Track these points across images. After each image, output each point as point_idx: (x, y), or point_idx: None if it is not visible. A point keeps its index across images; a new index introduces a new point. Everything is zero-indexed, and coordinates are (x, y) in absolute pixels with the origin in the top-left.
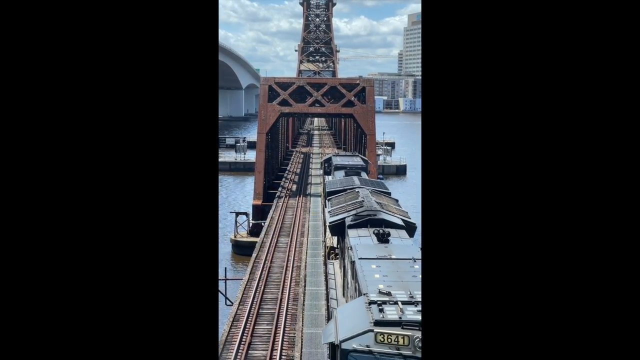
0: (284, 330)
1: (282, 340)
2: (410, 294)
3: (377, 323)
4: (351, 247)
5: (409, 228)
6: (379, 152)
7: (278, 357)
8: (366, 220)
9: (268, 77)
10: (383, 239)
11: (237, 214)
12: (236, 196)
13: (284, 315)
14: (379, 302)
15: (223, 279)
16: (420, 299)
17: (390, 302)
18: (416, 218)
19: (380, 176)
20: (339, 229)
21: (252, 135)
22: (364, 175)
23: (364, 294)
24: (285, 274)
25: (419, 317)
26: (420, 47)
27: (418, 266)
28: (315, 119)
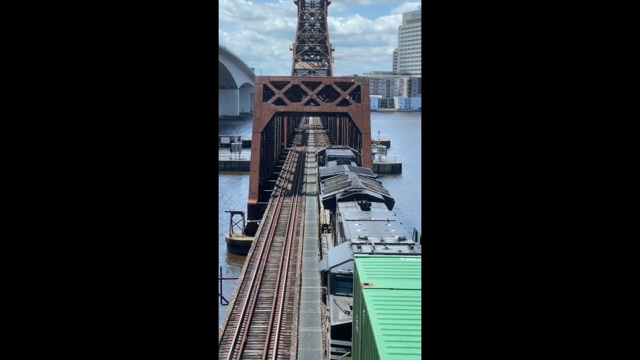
0: (279, 329)
1: (278, 340)
2: (382, 239)
3: (356, 255)
4: (340, 214)
5: (388, 201)
6: (374, 150)
7: (274, 356)
8: (353, 195)
9: (263, 76)
10: (365, 208)
11: (233, 213)
12: (231, 195)
13: (280, 314)
14: (358, 243)
15: (219, 278)
16: (388, 241)
17: (366, 243)
18: (414, 219)
19: (375, 175)
20: (330, 204)
21: (247, 134)
22: (353, 164)
23: (348, 239)
24: (281, 273)
25: (385, 251)
26: (414, 46)
27: (390, 224)
28: (311, 118)
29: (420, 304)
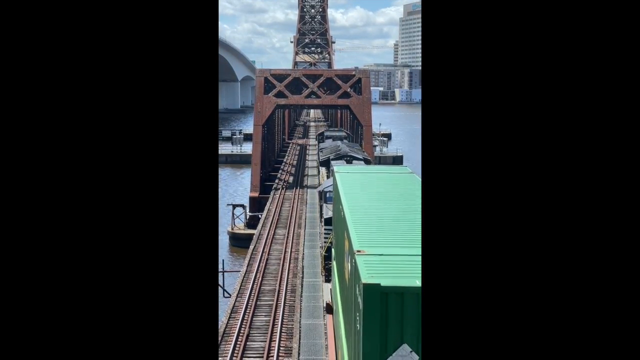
0: (282, 321)
1: (280, 332)
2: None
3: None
4: (332, 167)
5: (366, 160)
6: (375, 143)
7: (276, 348)
8: (342, 156)
9: (264, 69)
10: (349, 162)
11: (234, 206)
12: (233, 188)
13: (282, 306)
14: None
15: (221, 271)
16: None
17: None
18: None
19: (363, 153)
20: (326, 163)
21: (248, 127)
22: (345, 140)
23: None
24: (283, 265)
25: None
26: (415, 38)
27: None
28: (312, 110)
29: (368, 177)
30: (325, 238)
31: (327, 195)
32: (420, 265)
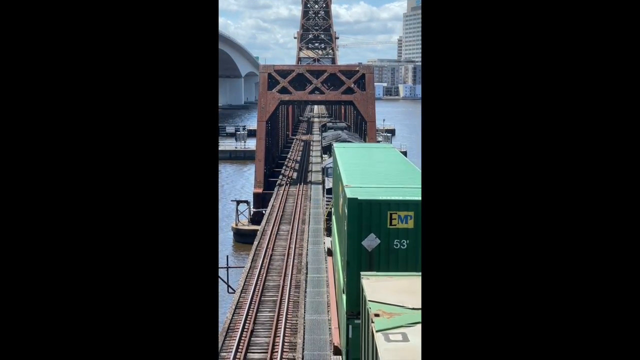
0: (286, 317)
1: (285, 327)
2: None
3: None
4: (334, 148)
5: None
6: (379, 138)
7: (280, 343)
8: (342, 141)
9: (267, 65)
10: None
11: (238, 202)
12: (237, 184)
13: (286, 302)
14: None
15: (225, 267)
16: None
17: None
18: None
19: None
20: (328, 148)
21: (252, 123)
22: (345, 130)
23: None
24: (287, 261)
25: None
26: (419, 33)
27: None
28: (315, 106)
29: (359, 150)
30: (327, 204)
31: (329, 170)
32: (383, 192)
